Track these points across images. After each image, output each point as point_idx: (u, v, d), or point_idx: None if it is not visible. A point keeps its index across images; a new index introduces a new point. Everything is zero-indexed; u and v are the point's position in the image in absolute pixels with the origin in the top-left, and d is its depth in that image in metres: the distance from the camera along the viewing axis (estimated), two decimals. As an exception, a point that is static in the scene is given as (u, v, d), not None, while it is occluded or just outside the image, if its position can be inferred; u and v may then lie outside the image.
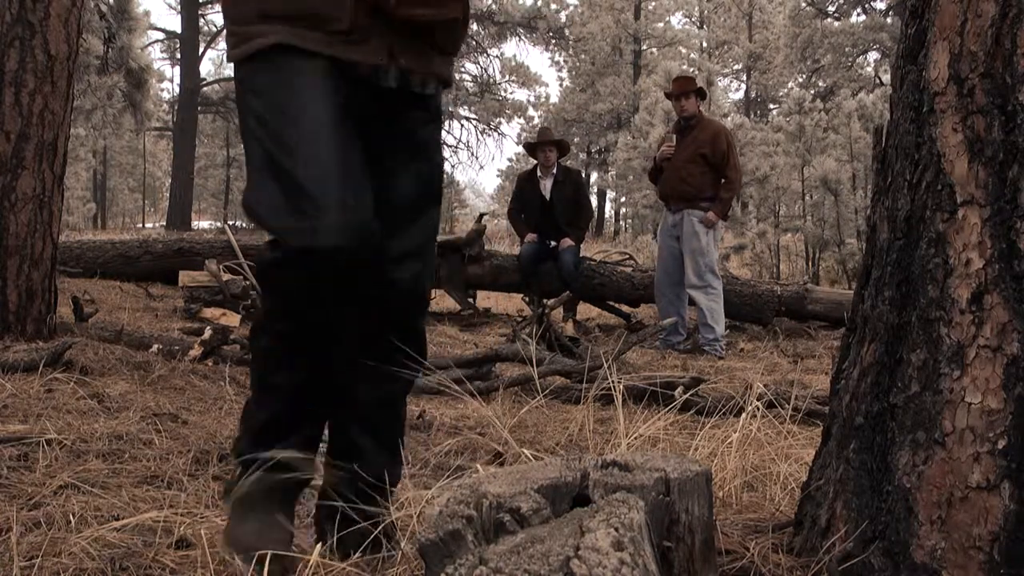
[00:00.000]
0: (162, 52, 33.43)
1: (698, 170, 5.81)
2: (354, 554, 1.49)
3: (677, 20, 37.84)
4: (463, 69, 29.40)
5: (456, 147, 30.04)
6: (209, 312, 6.17)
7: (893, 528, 1.29)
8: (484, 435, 2.55)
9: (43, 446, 2.25)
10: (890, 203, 1.42)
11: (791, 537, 1.51)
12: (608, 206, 37.41)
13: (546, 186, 7.10)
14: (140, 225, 36.10)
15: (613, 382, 2.29)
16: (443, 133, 2.20)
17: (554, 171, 7.08)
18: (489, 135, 31.93)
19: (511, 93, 34.17)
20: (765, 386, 2.90)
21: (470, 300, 7.61)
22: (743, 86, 38.01)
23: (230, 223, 22.43)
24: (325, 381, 1.55)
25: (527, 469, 1.18)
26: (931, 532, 1.24)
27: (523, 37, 29.29)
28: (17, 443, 2.29)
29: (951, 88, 1.30)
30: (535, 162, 7.27)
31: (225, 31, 1.58)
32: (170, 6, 31.86)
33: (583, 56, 33.35)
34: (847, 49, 28.04)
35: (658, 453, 1.26)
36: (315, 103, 1.44)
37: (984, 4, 1.26)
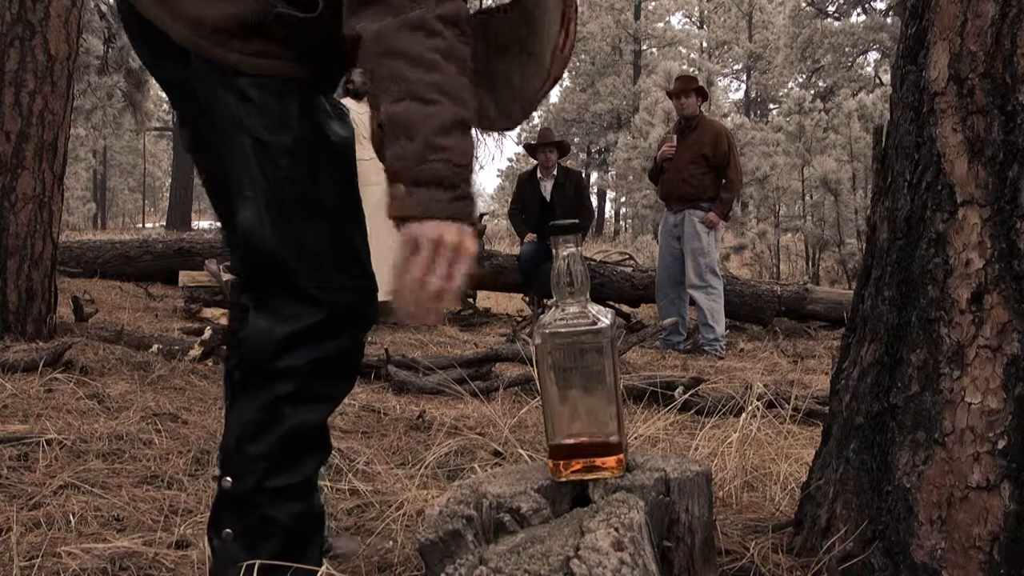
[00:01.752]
0: (162, 52, 33.37)
1: (699, 171, 5.81)
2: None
3: (677, 20, 37.89)
4: (463, 69, 29.29)
5: (456, 147, 29.97)
6: (209, 312, 6.17)
7: (893, 528, 1.29)
8: (484, 435, 2.55)
9: (43, 446, 2.25)
10: (890, 203, 1.42)
11: (791, 537, 1.51)
12: (608, 206, 37.38)
13: (546, 187, 7.09)
14: (140, 225, 36.08)
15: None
16: None
17: (554, 172, 7.08)
18: (489, 135, 31.90)
19: (511, 93, 34.12)
20: (765, 386, 2.90)
21: (470, 300, 7.61)
22: (743, 86, 38.00)
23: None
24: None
25: (527, 469, 1.18)
26: (931, 532, 1.24)
27: (523, 37, 29.17)
28: (17, 443, 2.29)
29: (951, 88, 1.30)
30: (535, 162, 7.27)
31: None
32: (170, 6, 31.81)
33: (583, 56, 33.33)
34: (847, 49, 28.01)
35: (658, 453, 1.26)
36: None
37: (984, 4, 1.26)
